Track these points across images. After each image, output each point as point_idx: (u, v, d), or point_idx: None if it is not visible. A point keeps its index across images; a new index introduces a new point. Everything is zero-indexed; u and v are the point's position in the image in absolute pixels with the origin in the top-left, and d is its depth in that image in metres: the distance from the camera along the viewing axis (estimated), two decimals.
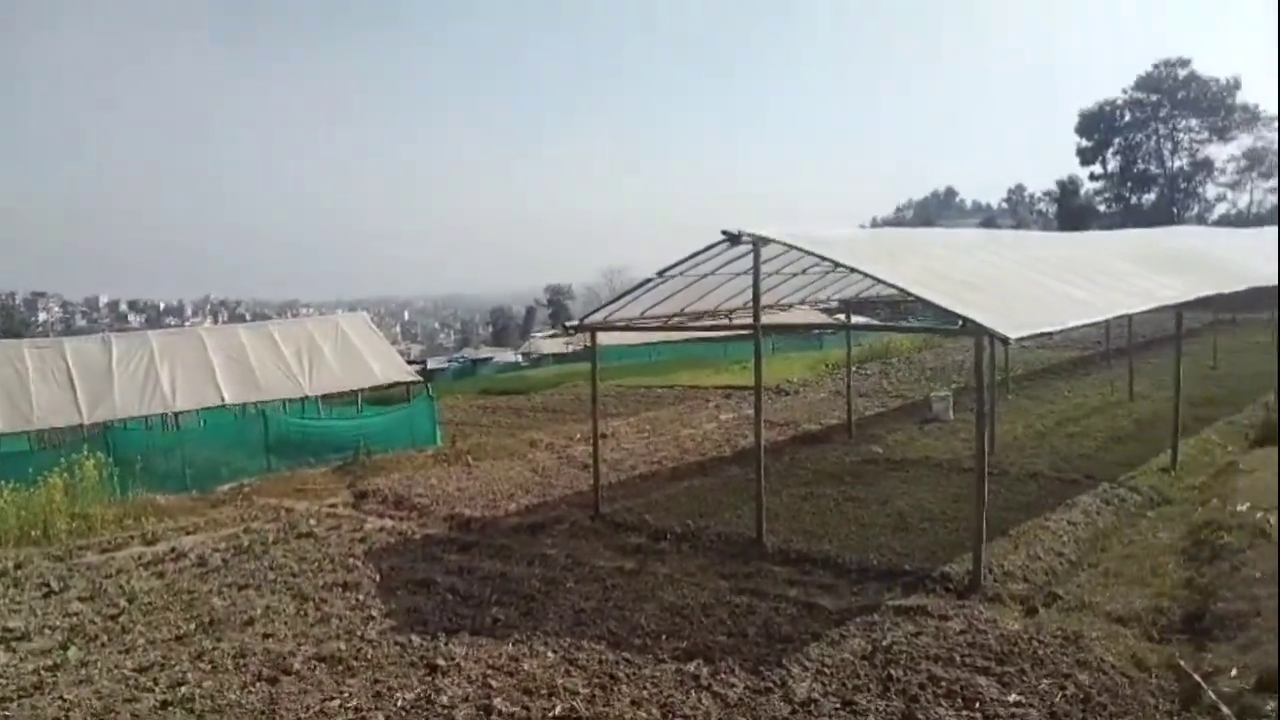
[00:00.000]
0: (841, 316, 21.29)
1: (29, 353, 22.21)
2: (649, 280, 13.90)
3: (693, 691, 7.81)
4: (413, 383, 26.80)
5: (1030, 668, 7.86)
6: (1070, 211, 72.51)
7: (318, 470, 20.06)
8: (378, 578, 11.61)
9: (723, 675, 8.08)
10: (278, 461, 20.80)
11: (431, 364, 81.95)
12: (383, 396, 28.30)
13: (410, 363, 37.88)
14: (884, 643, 8.59)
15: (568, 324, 16.01)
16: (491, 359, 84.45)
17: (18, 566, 13.12)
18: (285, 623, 10.14)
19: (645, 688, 7.93)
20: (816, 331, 40.74)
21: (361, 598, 10.85)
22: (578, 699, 7.75)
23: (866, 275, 12.26)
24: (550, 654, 8.78)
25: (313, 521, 14.91)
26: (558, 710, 7.55)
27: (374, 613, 10.28)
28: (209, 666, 8.97)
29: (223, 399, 22.56)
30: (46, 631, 10.33)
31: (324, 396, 24.95)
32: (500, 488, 16.65)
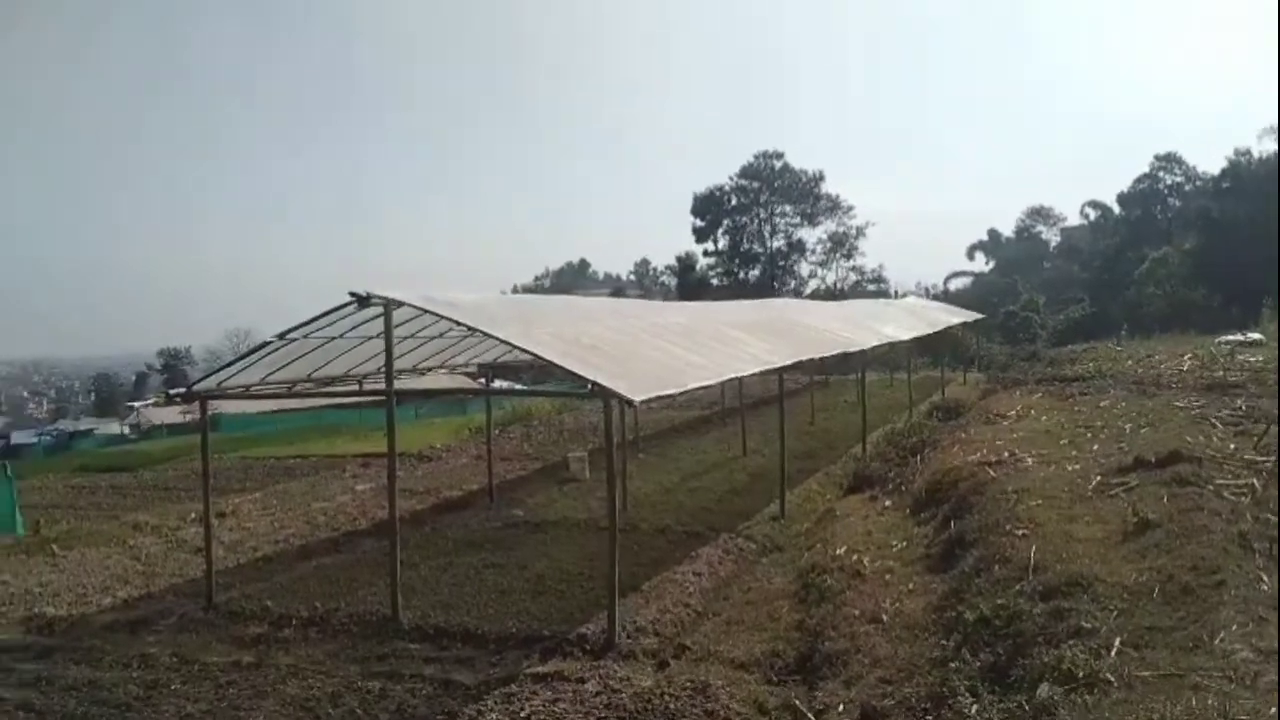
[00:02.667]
0: (483, 380, 21.29)
1: None
2: (269, 343, 12.95)
3: None
4: None
5: None
6: (688, 284, 79.41)
7: None
8: None
9: None
10: None
11: (16, 438, 71.55)
12: None
13: None
14: (523, 714, 8.44)
15: (172, 391, 14.35)
16: (93, 431, 75.29)
17: None
18: None
19: None
20: (460, 396, 40.64)
21: None
22: None
23: (500, 340, 12.32)
24: None
25: None
26: None
27: None
28: None
29: None
30: None
31: None
32: (93, 580, 14.49)
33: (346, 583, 13.43)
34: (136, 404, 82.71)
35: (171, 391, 14.54)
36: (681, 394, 13.35)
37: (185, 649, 10.93)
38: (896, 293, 75.64)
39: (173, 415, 56.02)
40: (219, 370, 13.79)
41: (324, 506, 20.28)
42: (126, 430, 70.76)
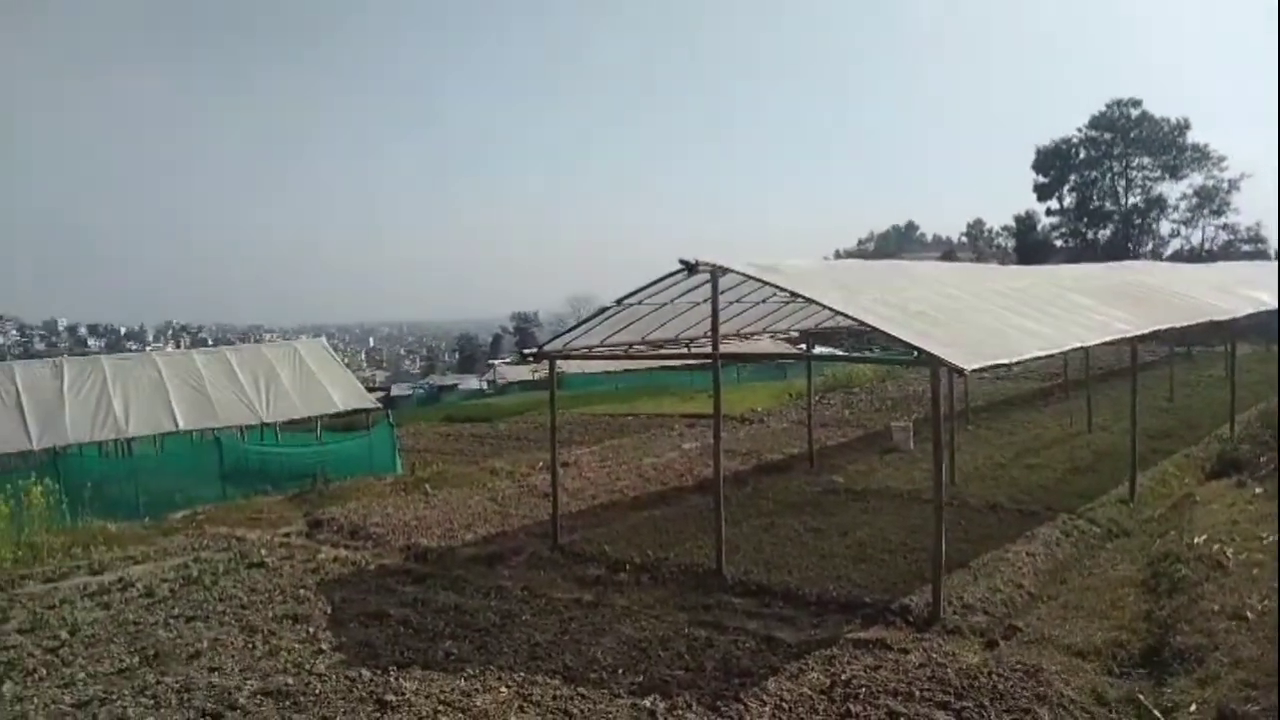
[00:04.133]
0: (803, 346, 21.35)
1: None
2: (607, 308, 13.86)
3: None
4: (373, 410, 26.49)
5: (990, 702, 7.80)
6: (1028, 246, 73.67)
7: (273, 498, 19.68)
8: (329, 610, 11.35)
9: (679, 711, 7.95)
10: (233, 489, 20.43)
11: (395, 390, 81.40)
12: (344, 423, 27.97)
13: (373, 389, 37.57)
14: (843, 677, 8.50)
15: (525, 351, 15.88)
16: (457, 386, 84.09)
17: None
18: (232, 656, 9.86)
19: None
20: (780, 361, 40.96)
21: (312, 630, 10.59)
22: None
23: (824, 306, 12.29)
24: (504, 689, 8.60)
25: (265, 551, 14.58)
26: None
27: (324, 646, 10.03)
28: (151, 701, 8.68)
29: (177, 425, 22.14)
30: None
31: (283, 423, 24.56)
32: (459, 517, 16.42)
33: (674, 534, 14.16)
34: (495, 362, 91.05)
35: (525, 351, 16.03)
36: (1017, 364, 12.57)
37: (534, 584, 12.12)
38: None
39: (523, 373, 61.22)
40: (564, 333, 15.01)
41: (653, 462, 21.42)
42: (484, 386, 78.28)
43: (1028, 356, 12.23)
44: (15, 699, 8.93)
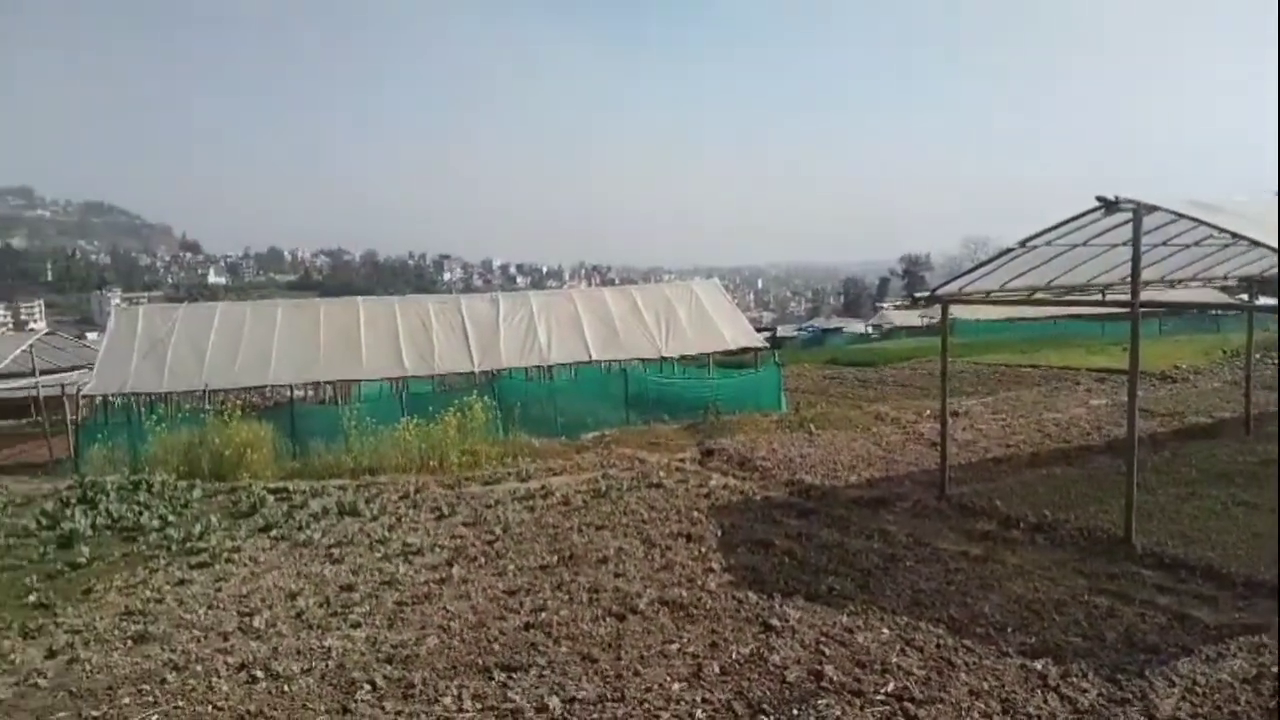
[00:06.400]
0: (1243, 296, 18.59)
1: (433, 307, 25.48)
2: (1009, 250, 13.00)
3: (1038, 691, 7.32)
4: (761, 349, 27.33)
5: None
6: None
7: (670, 426, 21.17)
8: (719, 533, 12.06)
9: (1073, 679, 7.48)
10: (635, 415, 22.25)
11: (781, 331, 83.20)
12: (732, 361, 29.22)
13: (760, 330, 38.69)
14: (1274, 669, 7.50)
15: (917, 294, 15.42)
16: (841, 329, 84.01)
17: (418, 490, 15.21)
18: (634, 565, 10.85)
19: (985, 679, 7.56)
20: (1213, 313, 36.07)
21: (703, 550, 11.33)
22: (912, 679, 7.55)
23: (1275, 249, 10.58)
24: (885, 630, 8.64)
25: (663, 473, 15.76)
26: (890, 687, 7.42)
27: (714, 566, 10.70)
28: (566, 597, 9.83)
29: (590, 355, 24.47)
30: (436, 549, 11.87)
31: (678, 357, 26.19)
32: (841, 458, 16.55)
33: (1076, 496, 13.18)
34: (881, 305, 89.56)
35: (916, 295, 15.60)
36: None
37: (919, 531, 11.94)
38: None
39: (910, 318, 59.72)
40: (959, 276, 14.36)
41: (1055, 417, 20.00)
42: (869, 330, 77.44)
43: None
44: (461, 580, 10.55)
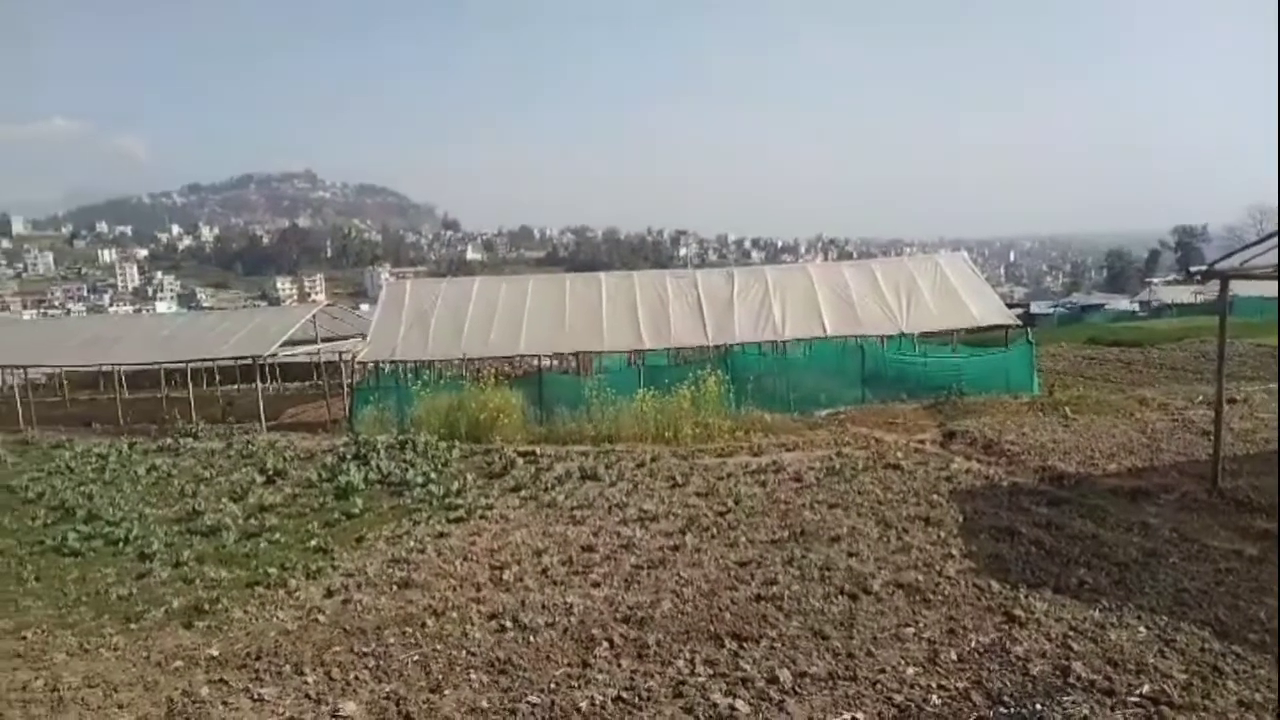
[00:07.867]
0: None
1: (670, 283, 25.99)
2: None
3: None
4: (1012, 326, 25.84)
5: None
6: None
7: (908, 406, 20.50)
8: (960, 518, 11.57)
9: None
10: (871, 393, 21.73)
11: (1034, 308, 78.33)
12: (979, 338, 27.85)
13: (1011, 306, 36.55)
14: None
15: (1193, 269, 13.97)
16: (1103, 306, 78.08)
17: (653, 460, 15.62)
18: (868, 545, 10.63)
19: (1259, 690, 6.83)
20: None
21: (942, 535, 10.92)
22: (1170, 683, 6.95)
23: None
24: (1142, 629, 7.99)
25: (900, 454, 15.31)
26: (1145, 689, 6.86)
27: (954, 551, 10.29)
28: (797, 572, 9.79)
29: (825, 331, 24.12)
30: (671, 517, 12.16)
31: (919, 334, 25.28)
32: (1100, 445, 15.38)
33: None
34: (1152, 280, 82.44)
35: (1192, 269, 14.21)
36: None
37: (1185, 526, 10.93)
38: None
39: (1183, 294, 54.48)
40: (1242, 249, 12.89)
41: None
42: (1136, 307, 71.40)
43: None
44: (694, 549, 10.76)
